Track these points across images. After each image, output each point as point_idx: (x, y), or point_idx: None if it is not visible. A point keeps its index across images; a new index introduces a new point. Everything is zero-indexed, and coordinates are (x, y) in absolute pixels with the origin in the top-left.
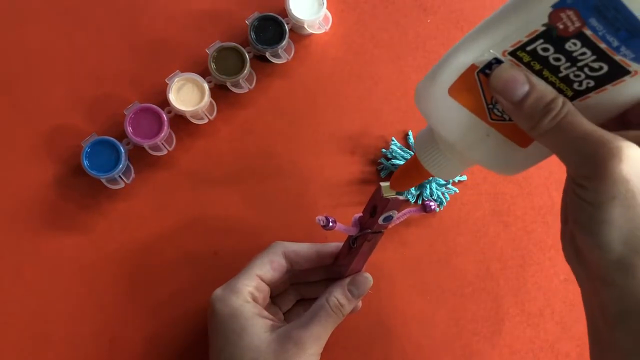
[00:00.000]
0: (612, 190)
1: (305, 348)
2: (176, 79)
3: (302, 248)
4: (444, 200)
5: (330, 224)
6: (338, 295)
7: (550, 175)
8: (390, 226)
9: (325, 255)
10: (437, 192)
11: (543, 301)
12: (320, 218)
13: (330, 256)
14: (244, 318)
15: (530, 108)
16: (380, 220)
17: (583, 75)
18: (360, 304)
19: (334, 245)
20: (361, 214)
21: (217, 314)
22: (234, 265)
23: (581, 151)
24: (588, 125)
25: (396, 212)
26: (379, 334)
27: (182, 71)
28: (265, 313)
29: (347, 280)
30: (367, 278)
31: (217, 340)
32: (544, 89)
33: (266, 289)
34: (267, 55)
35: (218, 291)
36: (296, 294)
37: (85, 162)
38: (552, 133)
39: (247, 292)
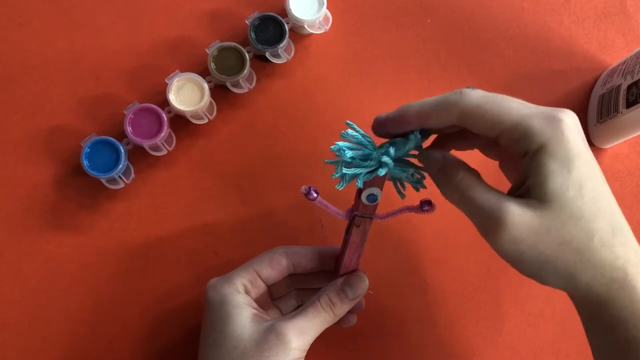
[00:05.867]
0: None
1: (287, 340)
2: (176, 79)
3: (304, 249)
4: None
5: (313, 194)
6: (330, 292)
7: None
8: (386, 218)
9: (326, 256)
10: None
11: (543, 301)
12: (304, 187)
13: (331, 258)
14: (231, 306)
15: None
16: (363, 199)
17: None
18: (363, 302)
19: (336, 247)
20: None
21: (208, 301)
22: (234, 266)
23: (477, 222)
24: (481, 196)
25: (380, 190)
26: (379, 334)
27: (182, 71)
28: (255, 305)
29: (342, 279)
30: (362, 277)
31: (205, 327)
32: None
33: (262, 285)
34: (267, 55)
35: (213, 280)
36: (298, 299)
37: (85, 162)
38: (457, 203)
39: (240, 283)
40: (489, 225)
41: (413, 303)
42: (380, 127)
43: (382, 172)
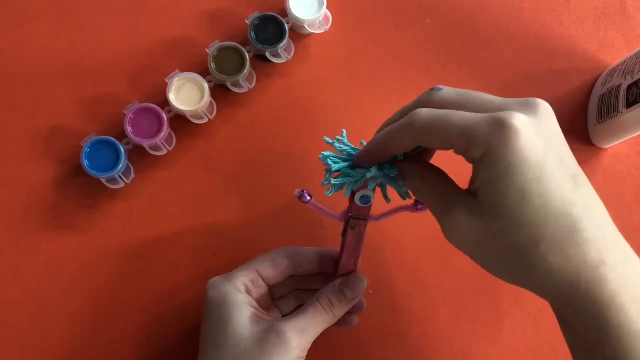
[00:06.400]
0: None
1: (287, 339)
2: (176, 79)
3: (306, 250)
4: None
5: (307, 196)
6: (329, 293)
7: None
8: (381, 218)
9: (327, 258)
10: None
11: (543, 301)
12: (298, 190)
13: (332, 260)
14: (231, 305)
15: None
16: (357, 201)
17: None
18: (365, 303)
19: (337, 250)
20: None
21: (209, 300)
22: (234, 266)
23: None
24: (434, 197)
25: (372, 192)
26: (379, 334)
27: (182, 71)
28: (256, 304)
29: (340, 280)
30: (360, 278)
31: (205, 326)
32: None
33: (263, 285)
34: (267, 55)
35: (214, 279)
36: (297, 299)
37: (85, 162)
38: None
39: (241, 282)
40: (441, 226)
41: (413, 303)
42: (361, 165)
43: (372, 186)
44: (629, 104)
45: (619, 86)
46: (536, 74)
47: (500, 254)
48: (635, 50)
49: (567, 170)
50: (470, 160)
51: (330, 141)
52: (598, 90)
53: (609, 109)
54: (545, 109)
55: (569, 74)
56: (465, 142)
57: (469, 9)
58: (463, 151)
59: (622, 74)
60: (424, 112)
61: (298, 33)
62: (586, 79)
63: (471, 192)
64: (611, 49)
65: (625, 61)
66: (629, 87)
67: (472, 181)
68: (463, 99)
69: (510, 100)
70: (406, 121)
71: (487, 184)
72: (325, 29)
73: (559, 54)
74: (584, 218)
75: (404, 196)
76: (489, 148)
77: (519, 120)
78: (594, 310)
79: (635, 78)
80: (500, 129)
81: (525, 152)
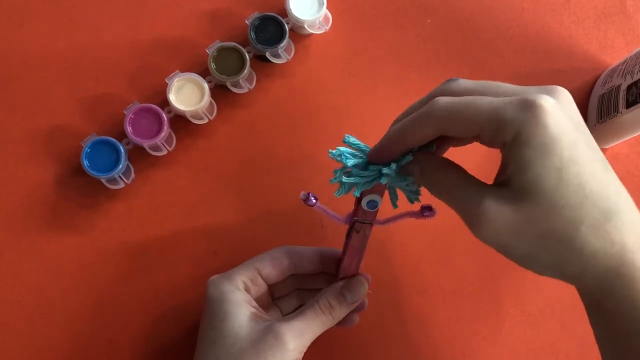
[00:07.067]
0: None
1: (284, 341)
2: (176, 79)
3: (306, 249)
4: None
5: (312, 199)
6: (329, 295)
7: None
8: (386, 224)
9: (328, 258)
10: None
11: (543, 301)
12: (303, 193)
13: (333, 260)
14: (229, 304)
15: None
16: (364, 205)
17: None
18: (366, 302)
19: (337, 250)
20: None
21: (208, 297)
22: (234, 266)
23: (462, 217)
24: (460, 193)
25: (380, 197)
26: (379, 334)
27: (182, 71)
28: (255, 304)
29: (341, 282)
30: (361, 282)
31: (203, 323)
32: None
33: (263, 284)
34: (267, 55)
35: (214, 277)
36: (299, 299)
37: (85, 162)
38: (444, 201)
39: (240, 281)
40: (470, 221)
41: (413, 303)
42: (375, 160)
43: (384, 180)
44: (629, 104)
45: (619, 86)
46: (536, 74)
47: (538, 243)
48: (635, 50)
49: (595, 153)
50: (500, 144)
51: (335, 153)
52: (598, 90)
53: (608, 109)
54: (565, 95)
55: (569, 74)
56: (494, 125)
57: (469, 9)
58: (492, 135)
59: (622, 74)
60: (445, 99)
61: (298, 33)
62: (586, 79)
63: (500, 182)
64: (611, 49)
65: (625, 61)
66: (629, 87)
67: (503, 168)
68: (482, 88)
69: (530, 87)
70: (426, 109)
71: (521, 167)
72: (325, 29)
73: (559, 54)
74: (619, 200)
75: (412, 200)
76: (521, 129)
77: (548, 102)
78: (637, 297)
79: (635, 78)
80: (530, 109)
81: (557, 132)
